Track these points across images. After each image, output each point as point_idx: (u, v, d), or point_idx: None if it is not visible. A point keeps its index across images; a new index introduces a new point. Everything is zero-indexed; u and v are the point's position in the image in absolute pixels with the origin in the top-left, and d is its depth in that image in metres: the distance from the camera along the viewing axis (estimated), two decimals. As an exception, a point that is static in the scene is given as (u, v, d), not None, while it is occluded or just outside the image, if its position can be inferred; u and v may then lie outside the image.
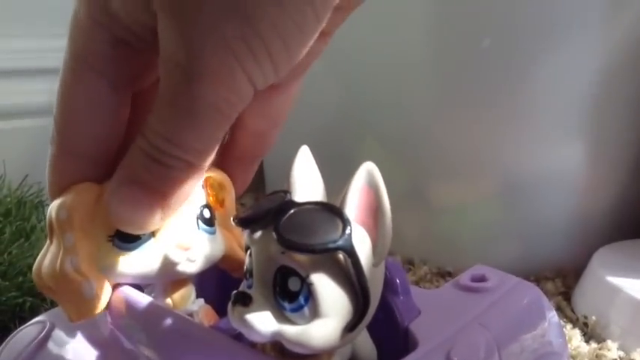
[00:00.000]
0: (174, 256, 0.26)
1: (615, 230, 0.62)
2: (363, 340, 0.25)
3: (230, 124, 0.24)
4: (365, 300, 0.22)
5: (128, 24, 0.24)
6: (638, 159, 0.62)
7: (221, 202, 0.29)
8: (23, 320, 0.38)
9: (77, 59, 0.25)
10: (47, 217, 0.26)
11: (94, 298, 0.25)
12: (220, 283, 0.29)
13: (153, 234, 0.26)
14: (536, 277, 0.59)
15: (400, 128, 0.63)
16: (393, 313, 0.26)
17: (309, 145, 0.25)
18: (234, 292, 0.22)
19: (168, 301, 0.27)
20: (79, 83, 0.25)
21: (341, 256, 0.21)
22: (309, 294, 0.21)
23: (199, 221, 0.27)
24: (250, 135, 0.30)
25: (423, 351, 0.24)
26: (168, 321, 0.25)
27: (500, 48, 0.55)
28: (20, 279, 0.48)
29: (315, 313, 0.21)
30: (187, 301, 0.28)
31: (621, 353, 0.46)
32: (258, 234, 0.22)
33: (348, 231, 0.21)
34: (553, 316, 0.28)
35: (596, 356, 0.46)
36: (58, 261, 0.25)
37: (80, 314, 0.25)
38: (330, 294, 0.21)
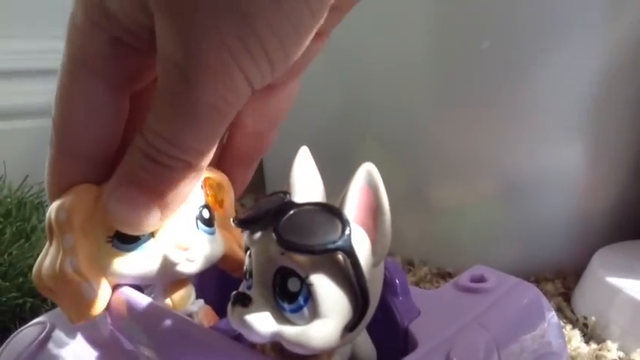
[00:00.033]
0: (174, 257, 0.26)
1: (615, 231, 0.62)
2: (363, 340, 0.25)
3: (228, 123, 0.24)
4: (364, 300, 0.22)
5: (126, 25, 0.24)
6: (638, 160, 0.62)
7: (220, 203, 0.29)
8: (24, 321, 0.38)
9: (75, 61, 0.25)
10: (46, 218, 0.26)
11: (93, 299, 0.25)
12: (220, 284, 0.29)
13: (152, 234, 0.26)
14: (536, 278, 0.59)
15: (400, 129, 0.63)
16: (392, 314, 0.26)
17: (308, 146, 0.26)
18: (234, 292, 0.22)
19: (168, 301, 0.27)
20: (78, 85, 0.25)
21: (340, 256, 0.21)
22: (308, 294, 0.21)
23: (198, 221, 0.27)
24: (249, 135, 0.30)
25: (423, 351, 0.24)
26: (168, 322, 0.25)
27: (500, 48, 0.55)
28: (21, 280, 0.48)
29: (314, 314, 0.21)
30: (187, 301, 0.28)
31: (621, 354, 0.46)
32: (258, 235, 0.22)
33: (347, 232, 0.21)
34: (552, 316, 0.28)
35: (596, 357, 0.46)
36: (58, 262, 0.25)
37: (80, 315, 0.25)
38: (330, 294, 0.21)
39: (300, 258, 0.21)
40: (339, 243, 0.21)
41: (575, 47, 0.55)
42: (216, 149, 0.25)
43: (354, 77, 0.66)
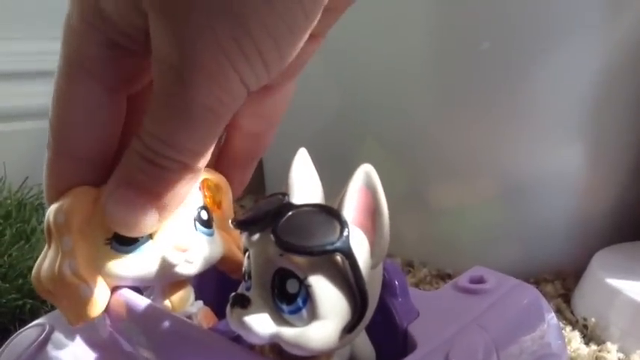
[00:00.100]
0: (172, 258, 0.26)
1: (615, 232, 0.62)
2: (362, 341, 0.25)
3: (224, 124, 0.24)
4: (363, 302, 0.22)
5: (121, 27, 0.24)
6: (638, 160, 0.62)
7: (218, 204, 0.29)
8: (23, 322, 0.38)
9: (71, 63, 0.25)
10: (45, 221, 0.26)
11: (92, 301, 0.25)
12: (219, 286, 0.29)
13: (151, 236, 0.26)
14: (536, 279, 0.59)
15: (399, 129, 0.63)
16: (391, 315, 0.26)
17: (307, 147, 0.26)
18: (233, 294, 0.22)
19: (167, 303, 0.27)
20: (74, 87, 0.25)
21: (339, 258, 0.21)
22: (307, 296, 0.21)
23: (197, 223, 0.27)
24: (245, 136, 0.30)
25: (422, 353, 0.24)
26: (167, 323, 0.25)
27: (500, 49, 0.55)
28: (20, 281, 0.48)
29: (313, 315, 0.21)
30: (186, 303, 0.28)
31: (621, 355, 0.46)
32: (257, 236, 0.22)
33: (345, 233, 0.21)
34: (552, 317, 0.28)
35: (596, 358, 0.46)
36: (57, 264, 0.25)
37: (79, 317, 0.25)
38: (329, 296, 0.21)
39: (299, 259, 0.21)
40: (338, 244, 0.21)
41: (575, 48, 0.55)
42: (214, 150, 0.25)
43: (352, 78, 0.66)
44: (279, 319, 0.22)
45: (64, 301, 0.26)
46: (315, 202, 0.23)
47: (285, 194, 0.24)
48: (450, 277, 0.60)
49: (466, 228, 0.62)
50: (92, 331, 0.28)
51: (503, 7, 0.54)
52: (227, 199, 0.29)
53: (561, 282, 0.58)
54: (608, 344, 0.47)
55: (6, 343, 0.29)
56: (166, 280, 0.27)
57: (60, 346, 0.28)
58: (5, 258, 0.50)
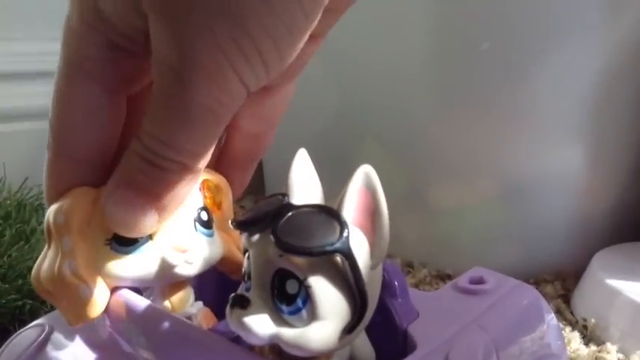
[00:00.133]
0: (172, 259, 0.26)
1: (615, 233, 0.62)
2: (362, 342, 0.25)
3: (224, 125, 0.24)
4: (363, 302, 0.22)
5: (121, 28, 0.24)
6: (638, 161, 0.62)
7: (218, 205, 0.29)
8: (23, 323, 0.38)
9: (71, 64, 0.25)
10: (45, 221, 0.26)
11: (92, 302, 0.25)
12: (219, 286, 0.29)
13: (150, 237, 0.26)
14: (536, 280, 0.59)
15: (399, 130, 0.63)
16: (391, 316, 0.26)
17: (307, 148, 0.26)
18: (232, 295, 0.22)
19: (167, 303, 0.27)
20: (74, 88, 0.25)
21: (338, 258, 0.21)
22: (306, 296, 0.21)
23: (197, 224, 0.27)
24: (245, 137, 0.30)
25: (422, 353, 0.24)
26: (167, 324, 0.25)
27: (500, 49, 0.55)
28: (20, 282, 0.48)
29: (313, 316, 0.21)
30: (186, 303, 0.28)
31: (621, 356, 0.46)
32: (256, 237, 0.22)
33: (345, 234, 0.21)
34: (552, 318, 0.28)
35: (596, 359, 0.46)
36: (56, 265, 0.25)
37: (79, 318, 0.25)
38: (328, 296, 0.21)
39: (299, 260, 0.21)
40: (338, 245, 0.21)
41: (574, 48, 0.55)
42: (214, 151, 0.25)
43: (352, 78, 0.66)
44: (279, 319, 0.22)
45: (64, 302, 0.26)
46: (314, 203, 0.23)
47: (285, 195, 0.24)
48: (449, 277, 0.60)
49: (466, 228, 0.62)
50: (92, 332, 0.28)
51: (503, 7, 0.54)
52: (227, 199, 0.29)
53: (561, 282, 0.58)
54: (608, 345, 0.47)
55: (5, 343, 0.29)
56: (166, 280, 0.27)
57: (59, 347, 0.28)
58: (5, 258, 0.50)
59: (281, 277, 0.22)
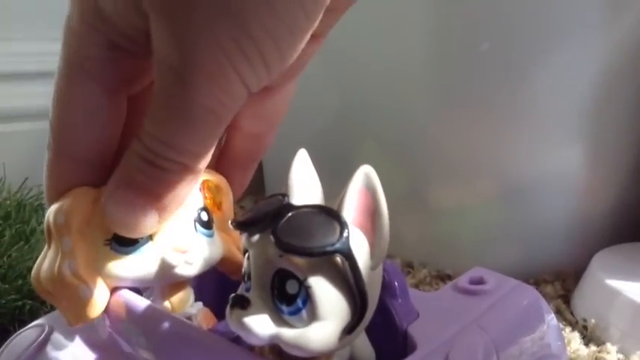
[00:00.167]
0: (172, 259, 0.26)
1: (615, 233, 0.62)
2: (362, 342, 0.25)
3: (224, 126, 0.24)
4: (363, 303, 0.22)
5: (121, 27, 0.24)
6: (638, 161, 0.62)
7: (218, 205, 0.29)
8: (22, 323, 0.38)
9: (71, 64, 0.25)
10: (45, 221, 0.26)
11: (92, 302, 0.25)
12: (219, 287, 0.29)
13: (150, 237, 0.26)
14: (536, 280, 0.59)
15: (399, 130, 0.63)
16: (391, 316, 0.26)
17: (307, 148, 0.26)
18: (232, 295, 0.22)
19: (167, 304, 0.27)
20: (74, 88, 0.25)
21: (339, 259, 0.21)
22: (307, 297, 0.21)
23: (197, 224, 0.27)
24: (246, 137, 0.30)
25: (422, 354, 0.24)
26: (167, 324, 0.25)
27: (500, 49, 0.55)
28: (20, 282, 0.48)
29: (313, 316, 0.21)
30: (186, 304, 0.28)
31: (620, 356, 0.46)
32: (256, 237, 0.22)
33: (345, 234, 0.21)
34: (552, 318, 0.28)
35: (596, 359, 0.46)
36: (56, 265, 0.25)
37: (78, 318, 0.25)
38: (328, 297, 0.21)
39: (299, 260, 0.21)
40: (338, 245, 0.21)
41: (574, 48, 0.55)
42: (215, 151, 0.25)
43: (352, 78, 0.66)
44: (279, 320, 0.21)
45: (64, 302, 0.26)
46: (314, 203, 0.23)
47: (285, 195, 0.24)
48: (449, 277, 0.60)
49: (466, 229, 0.62)
50: (92, 332, 0.28)
51: (503, 7, 0.54)
52: (227, 200, 0.29)
53: (561, 283, 0.58)
54: (608, 345, 0.47)
55: (5, 343, 0.29)
56: (166, 281, 0.27)
57: (59, 347, 0.28)
58: (5, 259, 0.49)
59: (281, 277, 0.22)
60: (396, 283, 0.26)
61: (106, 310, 0.26)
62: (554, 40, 0.54)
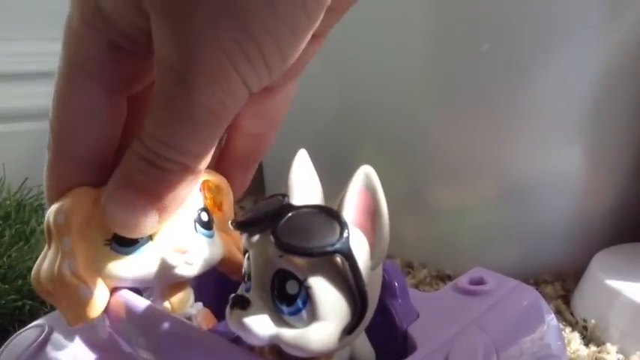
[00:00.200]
0: (172, 260, 0.26)
1: (615, 233, 0.62)
2: (362, 343, 0.25)
3: (225, 126, 0.24)
4: (363, 303, 0.22)
5: (121, 27, 0.24)
6: (638, 161, 0.62)
7: (219, 206, 0.29)
8: (22, 323, 0.38)
9: (72, 64, 0.25)
10: (45, 221, 0.26)
11: (91, 302, 0.25)
12: (218, 287, 0.29)
13: (150, 237, 0.26)
14: (536, 280, 0.59)
15: (399, 130, 0.63)
16: (391, 316, 0.26)
17: (307, 149, 0.26)
18: (232, 295, 0.22)
19: (167, 304, 0.27)
20: (74, 88, 0.25)
21: (339, 259, 0.21)
22: (307, 297, 0.21)
23: (197, 224, 0.27)
24: (246, 137, 0.30)
25: (422, 354, 0.24)
26: (167, 324, 0.25)
27: (500, 50, 0.55)
28: (19, 282, 0.48)
29: (313, 317, 0.21)
30: (186, 304, 0.28)
31: (620, 356, 0.46)
32: (256, 237, 0.22)
33: (345, 234, 0.21)
34: (552, 319, 0.28)
35: (596, 359, 0.46)
36: (56, 265, 0.25)
37: (78, 318, 0.25)
38: (328, 297, 0.21)
39: (299, 260, 0.21)
40: (338, 246, 0.21)
41: (575, 48, 0.55)
42: (215, 152, 0.25)
43: (352, 79, 0.66)
44: (279, 320, 0.21)
45: (64, 302, 0.26)
46: (314, 204, 0.23)
47: (285, 195, 0.24)
48: (449, 278, 0.60)
49: (466, 229, 0.62)
50: (92, 332, 0.28)
51: (503, 7, 0.54)
52: (228, 200, 0.29)
53: (561, 283, 0.58)
54: (608, 345, 0.47)
55: (5, 343, 0.29)
56: (166, 281, 0.27)
57: (59, 347, 0.28)
58: (4, 259, 0.50)
59: (281, 277, 0.22)
60: (396, 284, 0.26)
61: (106, 311, 0.26)
62: (555, 40, 0.54)
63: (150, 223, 0.24)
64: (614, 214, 0.63)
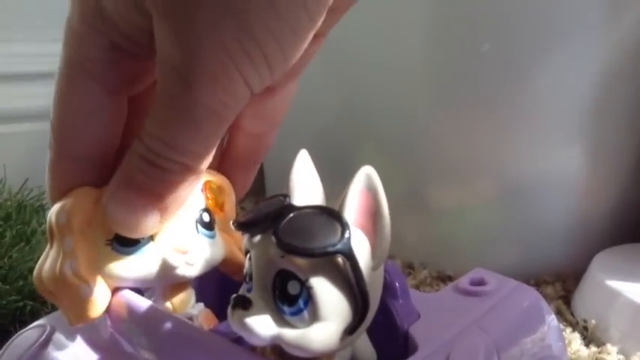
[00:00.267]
0: (173, 260, 0.26)
1: (615, 234, 0.62)
2: (363, 343, 0.25)
3: (227, 126, 0.24)
4: (364, 303, 0.22)
5: (122, 27, 0.24)
6: (638, 161, 0.62)
7: (220, 206, 0.29)
8: (24, 324, 0.37)
9: (72, 64, 0.25)
10: (47, 221, 0.26)
11: (93, 302, 0.25)
12: (220, 287, 0.29)
13: (152, 238, 0.26)
14: (536, 281, 0.59)
15: (399, 131, 0.63)
16: (392, 317, 0.26)
17: (308, 149, 0.26)
18: (234, 295, 0.22)
19: (168, 304, 0.27)
20: (75, 88, 0.25)
21: (340, 259, 0.21)
22: (308, 297, 0.21)
23: (198, 225, 0.27)
24: (247, 137, 0.30)
25: (423, 355, 0.24)
26: (168, 325, 0.25)
27: (500, 50, 0.55)
28: (21, 283, 0.48)
29: (314, 317, 0.21)
30: (187, 304, 0.28)
31: (621, 357, 0.46)
32: (258, 238, 0.22)
33: (347, 235, 0.21)
34: (552, 319, 0.28)
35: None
36: (58, 265, 0.25)
37: (80, 318, 0.25)
38: (330, 297, 0.21)
39: (300, 261, 0.21)
40: (339, 246, 0.21)
41: (575, 48, 0.55)
42: (217, 152, 0.25)
43: (352, 79, 0.66)
44: (281, 320, 0.22)
45: (65, 302, 0.26)
46: (316, 204, 0.23)
47: (286, 196, 0.24)
48: (450, 278, 0.60)
49: (466, 229, 0.62)
50: (93, 332, 0.28)
51: (503, 7, 0.54)
52: (230, 201, 0.29)
53: (561, 284, 0.58)
54: (608, 346, 0.47)
55: (6, 344, 0.29)
56: (167, 281, 0.27)
57: (61, 347, 0.28)
58: (5, 260, 0.50)
59: (282, 278, 0.22)
60: (397, 284, 0.26)
61: (108, 310, 0.26)
62: (555, 40, 0.54)
63: (151, 223, 0.24)
64: (615, 215, 0.63)
